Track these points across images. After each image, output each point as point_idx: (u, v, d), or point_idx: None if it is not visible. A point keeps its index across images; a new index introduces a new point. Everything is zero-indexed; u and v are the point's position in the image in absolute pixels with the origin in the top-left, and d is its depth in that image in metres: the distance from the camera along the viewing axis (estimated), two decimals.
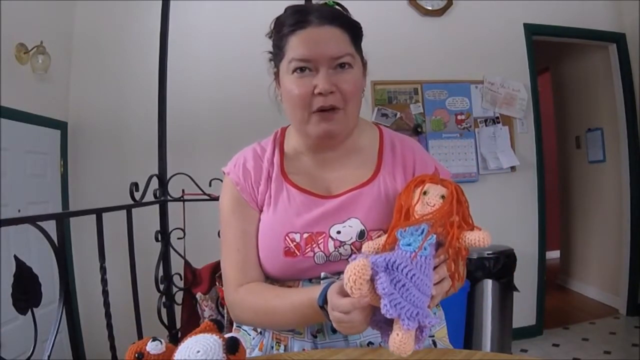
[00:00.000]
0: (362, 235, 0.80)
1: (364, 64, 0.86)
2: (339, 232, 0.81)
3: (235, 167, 0.88)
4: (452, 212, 0.66)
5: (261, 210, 0.86)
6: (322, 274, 0.80)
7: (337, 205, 0.82)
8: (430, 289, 0.60)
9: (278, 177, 0.86)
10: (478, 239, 0.64)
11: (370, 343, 0.79)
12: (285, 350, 0.81)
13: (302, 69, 0.77)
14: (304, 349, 0.80)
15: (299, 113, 0.79)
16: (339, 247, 0.80)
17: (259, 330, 0.87)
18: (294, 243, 0.80)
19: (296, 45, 0.77)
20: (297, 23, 0.78)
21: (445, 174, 0.88)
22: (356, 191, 0.83)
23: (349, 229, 0.81)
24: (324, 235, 0.81)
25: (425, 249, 0.61)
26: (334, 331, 0.78)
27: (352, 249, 0.80)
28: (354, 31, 0.81)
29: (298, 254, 0.80)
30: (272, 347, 0.83)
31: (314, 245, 0.80)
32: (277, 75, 0.85)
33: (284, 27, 0.80)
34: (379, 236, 0.79)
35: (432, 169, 0.88)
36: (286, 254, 0.80)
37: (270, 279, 0.86)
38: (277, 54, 0.82)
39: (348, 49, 0.78)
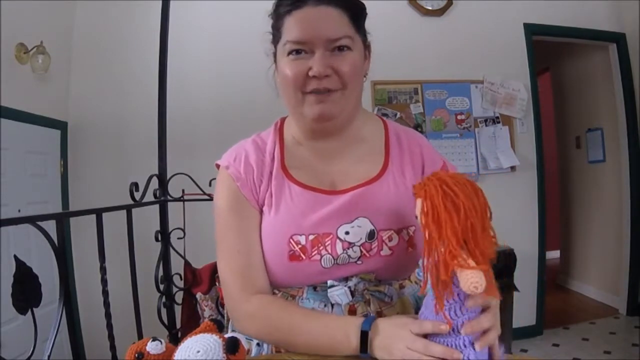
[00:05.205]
0: (372, 235, 0.76)
1: (367, 45, 0.81)
2: (347, 233, 0.75)
3: (235, 162, 0.81)
4: (433, 238, 0.53)
5: (261, 210, 0.79)
6: (329, 282, 0.76)
7: (345, 203, 0.77)
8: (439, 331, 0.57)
9: (279, 173, 0.80)
10: (471, 284, 0.51)
11: None
12: None
13: (297, 52, 0.73)
14: None
15: (293, 95, 0.75)
16: (348, 248, 0.75)
17: (258, 342, 0.81)
18: (299, 246, 0.75)
19: (291, 27, 0.73)
20: (294, 3, 0.74)
21: (452, 169, 0.85)
22: (364, 188, 0.78)
23: (358, 229, 0.76)
24: (332, 236, 0.75)
25: (428, 291, 0.58)
26: None
27: (361, 251, 0.75)
28: (354, 11, 0.76)
29: (304, 257, 0.75)
30: None
31: (321, 248, 0.75)
32: (274, 56, 0.80)
33: (281, 6, 0.76)
34: (389, 237, 0.76)
35: (439, 165, 0.85)
36: (291, 258, 0.75)
37: (272, 285, 0.80)
38: (275, 35, 0.78)
39: (346, 30, 0.73)
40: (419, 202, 0.56)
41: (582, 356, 2.61)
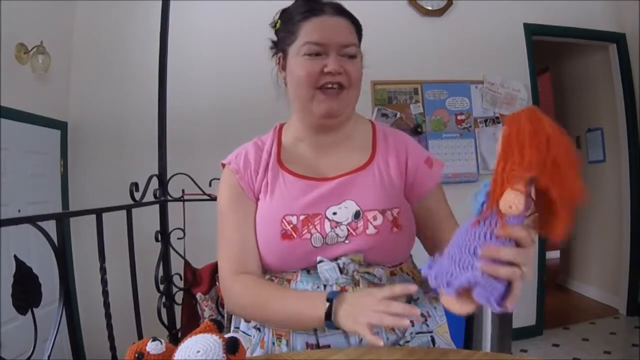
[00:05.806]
0: (357, 215, 0.83)
1: (362, 56, 0.93)
2: (335, 213, 0.83)
3: (236, 158, 0.91)
4: (506, 158, 0.51)
5: (257, 200, 0.88)
6: (319, 258, 0.81)
7: (333, 187, 0.85)
8: (468, 252, 0.54)
9: (274, 165, 0.90)
10: (507, 203, 0.50)
11: None
12: (287, 345, 0.81)
13: (313, 52, 0.83)
14: (306, 343, 0.79)
15: (305, 90, 0.84)
16: (335, 227, 0.82)
17: (258, 326, 0.86)
18: (291, 225, 0.82)
19: (311, 30, 0.83)
20: (312, 10, 0.85)
21: (438, 165, 0.92)
22: (351, 175, 0.87)
23: (345, 210, 0.83)
24: (320, 216, 0.83)
25: (478, 211, 0.54)
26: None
27: (348, 230, 0.82)
28: (357, 25, 0.89)
29: (295, 236, 0.82)
30: (274, 344, 0.83)
31: (311, 227, 0.82)
32: (282, 59, 0.90)
33: (296, 14, 0.86)
34: (374, 216, 0.83)
35: (424, 158, 0.92)
36: (283, 237, 0.82)
37: (268, 272, 0.87)
38: (287, 37, 0.87)
39: (353, 39, 0.86)
40: (504, 128, 0.53)
41: (582, 356, 2.61)
